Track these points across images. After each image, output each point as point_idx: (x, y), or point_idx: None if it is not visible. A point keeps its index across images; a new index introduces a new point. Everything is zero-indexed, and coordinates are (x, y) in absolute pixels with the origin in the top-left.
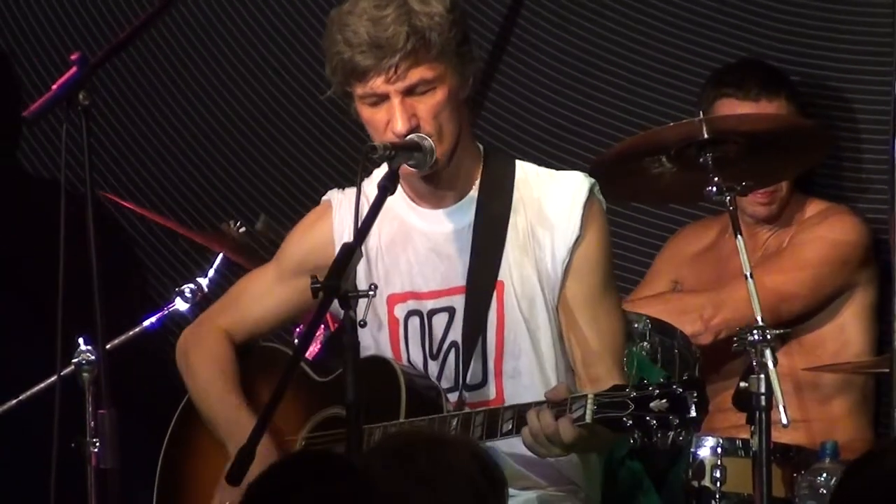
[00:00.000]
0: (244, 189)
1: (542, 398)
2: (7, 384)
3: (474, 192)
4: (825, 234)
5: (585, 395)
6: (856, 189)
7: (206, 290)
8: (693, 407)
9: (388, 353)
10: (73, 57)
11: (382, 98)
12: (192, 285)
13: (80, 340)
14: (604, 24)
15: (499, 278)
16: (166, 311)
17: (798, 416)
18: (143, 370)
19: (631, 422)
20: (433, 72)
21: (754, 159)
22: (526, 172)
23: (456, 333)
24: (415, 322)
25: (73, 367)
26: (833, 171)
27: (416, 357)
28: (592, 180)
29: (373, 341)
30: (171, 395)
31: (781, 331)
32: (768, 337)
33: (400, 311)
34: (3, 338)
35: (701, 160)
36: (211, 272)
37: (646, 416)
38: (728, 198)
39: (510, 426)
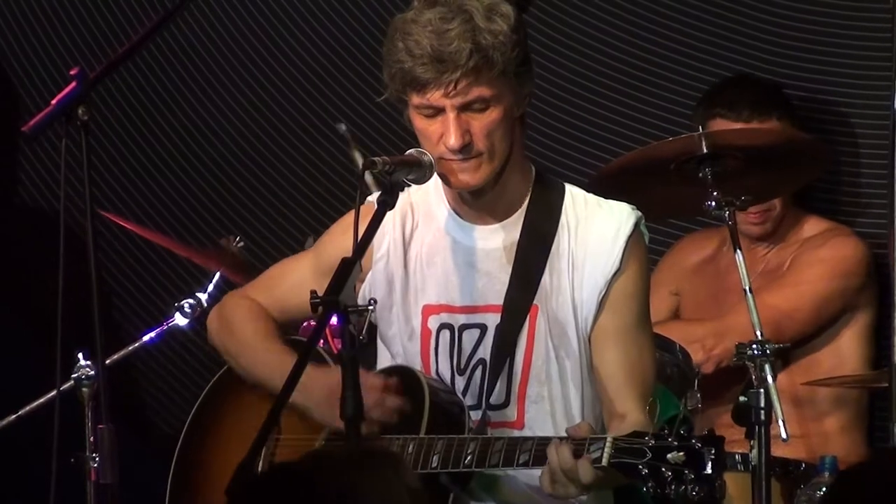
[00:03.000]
0: (244, 205)
1: (563, 427)
2: (6, 399)
3: (521, 212)
4: (828, 255)
5: (604, 439)
6: (854, 204)
7: (205, 305)
8: (709, 464)
9: (417, 363)
10: (72, 72)
11: (438, 111)
12: (191, 300)
13: (80, 355)
14: (603, 39)
15: (534, 302)
16: (165, 326)
17: (796, 431)
18: (142, 385)
19: (647, 470)
20: (492, 91)
21: (753, 174)
22: (574, 197)
23: (485, 351)
24: (445, 335)
25: (72, 381)
26: (831, 186)
27: (444, 370)
28: (639, 214)
29: (402, 350)
30: (171, 410)
31: (781, 345)
32: (768, 352)
33: (433, 322)
34: (3, 352)
35: (700, 175)
36: (210, 287)
37: (662, 467)
38: (727, 212)
39: (527, 457)
